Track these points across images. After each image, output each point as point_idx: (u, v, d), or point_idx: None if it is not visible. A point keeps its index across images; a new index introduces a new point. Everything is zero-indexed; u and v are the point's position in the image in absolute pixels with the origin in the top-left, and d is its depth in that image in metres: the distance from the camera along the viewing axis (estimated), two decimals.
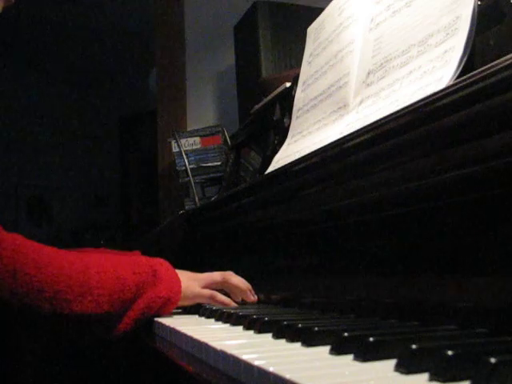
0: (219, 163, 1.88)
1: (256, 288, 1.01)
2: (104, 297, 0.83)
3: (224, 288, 0.98)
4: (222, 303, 0.94)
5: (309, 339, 0.52)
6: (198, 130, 1.97)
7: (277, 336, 0.58)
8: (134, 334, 0.88)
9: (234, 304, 0.95)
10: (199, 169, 1.90)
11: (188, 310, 0.97)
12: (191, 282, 0.94)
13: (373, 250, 0.69)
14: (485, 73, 0.51)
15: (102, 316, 0.83)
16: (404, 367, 0.38)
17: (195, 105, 2.44)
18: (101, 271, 0.85)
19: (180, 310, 0.98)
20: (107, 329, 0.85)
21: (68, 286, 0.81)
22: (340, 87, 0.93)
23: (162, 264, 0.93)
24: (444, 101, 0.56)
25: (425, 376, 0.37)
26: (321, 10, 1.13)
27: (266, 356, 0.48)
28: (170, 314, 0.92)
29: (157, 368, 0.78)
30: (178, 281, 0.91)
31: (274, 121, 1.26)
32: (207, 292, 0.95)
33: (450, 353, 0.36)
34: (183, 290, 0.91)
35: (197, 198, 1.80)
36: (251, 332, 0.64)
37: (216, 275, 0.98)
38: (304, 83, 1.10)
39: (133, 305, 0.86)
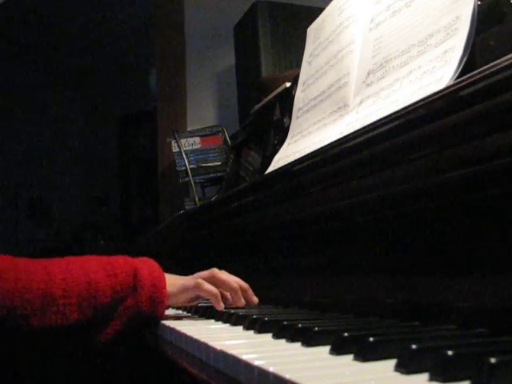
0: (219, 163, 1.88)
1: (256, 288, 1.01)
2: (72, 306, 0.76)
3: (213, 285, 0.89)
4: (209, 292, 0.85)
5: (309, 339, 0.52)
6: (197, 130, 1.97)
7: (277, 336, 0.58)
8: (136, 334, 0.86)
9: (218, 296, 0.85)
10: (199, 169, 1.90)
11: (193, 311, 0.97)
12: (176, 280, 0.88)
13: (373, 249, 0.69)
14: (485, 73, 0.51)
15: (73, 325, 0.77)
16: (404, 367, 0.38)
17: (195, 105, 2.44)
18: (68, 277, 0.78)
19: (184, 313, 0.98)
20: (87, 337, 0.79)
21: (25, 301, 0.73)
22: (340, 87, 0.93)
23: (144, 262, 0.86)
24: (444, 101, 0.56)
25: (425, 376, 0.37)
26: (321, 9, 1.13)
27: (266, 356, 0.48)
28: (173, 315, 0.90)
29: (157, 367, 0.78)
30: (162, 279, 0.84)
31: (274, 121, 1.26)
32: (191, 281, 0.87)
33: (449, 353, 0.36)
34: (168, 286, 0.84)
35: (197, 198, 1.80)
36: (251, 332, 0.64)
37: (204, 272, 0.91)
38: (304, 83, 1.10)
39: (113, 309, 0.80)
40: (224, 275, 0.90)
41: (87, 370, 1.04)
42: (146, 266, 0.85)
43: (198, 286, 0.86)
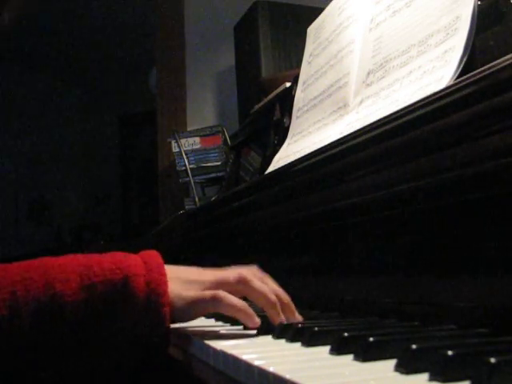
0: (219, 163, 1.88)
1: None
2: (22, 327, 0.56)
3: (243, 294, 0.66)
4: (233, 309, 0.62)
5: (309, 339, 0.52)
6: (197, 130, 1.97)
7: (277, 336, 0.58)
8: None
9: (249, 311, 0.63)
10: (199, 169, 1.90)
11: None
12: (185, 287, 0.64)
13: (373, 249, 0.69)
14: (485, 73, 0.51)
15: (27, 350, 0.58)
16: (404, 367, 0.38)
17: (195, 105, 2.44)
18: (19, 290, 0.57)
19: None
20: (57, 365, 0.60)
21: None
22: (340, 87, 0.93)
23: (144, 264, 0.63)
24: (444, 101, 0.56)
25: (425, 376, 0.37)
26: (321, 9, 1.13)
27: (266, 356, 0.48)
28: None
29: (156, 366, 0.78)
30: (163, 290, 0.61)
31: (274, 121, 1.26)
32: (208, 294, 0.63)
33: (449, 353, 0.36)
34: (174, 298, 0.62)
35: (197, 198, 1.80)
36: (251, 332, 0.64)
37: (229, 273, 0.67)
38: (304, 83, 1.10)
39: (91, 332, 0.59)
40: (257, 283, 0.65)
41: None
42: (144, 269, 0.62)
43: (217, 301, 0.63)
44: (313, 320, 0.67)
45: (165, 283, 0.61)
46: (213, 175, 1.89)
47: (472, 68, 0.60)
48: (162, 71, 2.50)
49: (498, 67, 0.49)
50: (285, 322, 0.63)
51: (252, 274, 0.67)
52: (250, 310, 0.63)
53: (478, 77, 0.51)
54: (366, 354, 0.43)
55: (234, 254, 1.19)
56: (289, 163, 0.90)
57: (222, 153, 1.88)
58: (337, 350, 0.46)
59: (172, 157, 2.04)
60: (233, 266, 0.69)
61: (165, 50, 2.48)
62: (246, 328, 0.64)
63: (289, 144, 1.08)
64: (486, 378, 0.33)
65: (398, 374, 0.38)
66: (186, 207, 1.83)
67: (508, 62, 0.48)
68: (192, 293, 0.63)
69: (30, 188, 4.73)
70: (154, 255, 0.65)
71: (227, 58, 2.30)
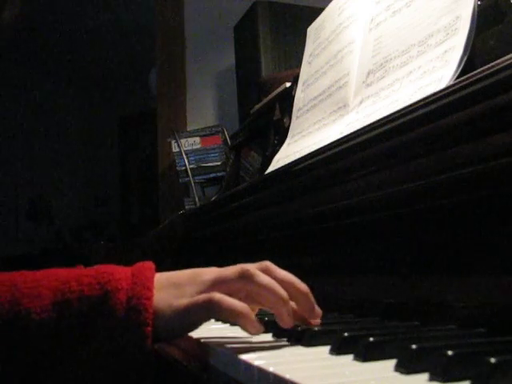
0: (219, 163, 1.88)
1: None
2: None
3: (247, 292, 0.57)
4: (230, 311, 0.53)
5: (309, 339, 0.52)
6: (197, 130, 1.97)
7: (277, 336, 0.58)
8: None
9: (251, 315, 0.54)
10: (199, 169, 1.90)
11: None
12: (177, 294, 0.56)
13: (373, 249, 0.69)
14: (485, 73, 0.51)
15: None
16: (404, 367, 0.38)
17: (195, 105, 2.44)
18: None
19: None
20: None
21: None
22: (340, 87, 0.93)
23: (128, 278, 0.56)
24: (444, 101, 0.56)
25: (425, 376, 0.37)
26: (321, 9, 1.13)
27: (266, 356, 0.48)
28: None
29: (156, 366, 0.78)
30: (146, 307, 0.53)
31: (274, 121, 1.26)
32: (201, 298, 0.54)
33: (449, 353, 0.36)
34: (160, 312, 0.54)
35: (197, 198, 1.80)
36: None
37: (229, 269, 0.58)
38: (304, 83, 1.10)
39: (65, 352, 0.53)
40: (262, 277, 0.56)
41: None
42: (130, 283, 0.55)
43: (211, 305, 0.54)
44: None
45: (148, 298, 0.54)
46: (213, 175, 1.89)
47: (472, 68, 0.60)
48: (161, 71, 2.50)
49: (498, 67, 0.49)
50: (295, 326, 0.55)
51: (257, 267, 0.57)
52: (252, 314, 0.54)
53: (477, 77, 0.51)
54: (366, 354, 0.43)
55: (234, 254, 1.19)
56: (289, 163, 0.90)
57: (222, 153, 1.88)
58: (337, 350, 0.46)
59: (172, 157, 2.04)
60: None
61: (165, 50, 2.48)
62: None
63: (289, 144, 1.08)
64: (486, 378, 0.33)
65: (397, 374, 0.38)
66: (186, 207, 1.83)
67: (508, 62, 0.48)
68: (185, 300, 0.55)
69: (30, 188, 4.73)
70: (146, 267, 0.59)
71: (227, 58, 2.30)
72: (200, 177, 1.90)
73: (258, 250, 1.07)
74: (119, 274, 0.56)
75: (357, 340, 0.45)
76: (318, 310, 0.58)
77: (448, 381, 0.35)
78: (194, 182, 1.85)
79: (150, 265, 0.60)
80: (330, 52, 1.01)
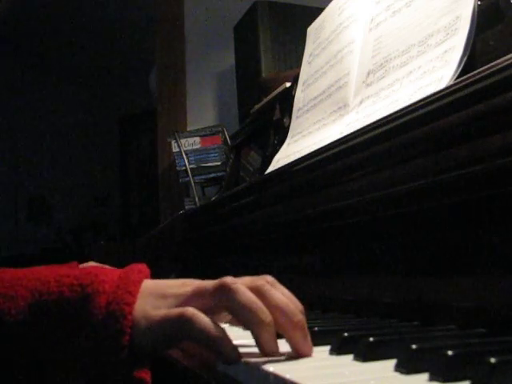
0: (219, 163, 1.88)
1: None
2: None
3: (226, 309, 0.51)
4: (201, 331, 0.47)
5: None
6: (198, 130, 1.97)
7: (277, 336, 0.58)
8: None
9: (225, 338, 0.48)
10: (199, 169, 1.90)
11: None
12: (156, 304, 0.51)
13: (373, 249, 0.69)
14: (485, 73, 0.51)
15: None
16: (404, 367, 0.38)
17: (195, 105, 2.44)
18: None
19: None
20: None
21: None
22: (340, 87, 0.93)
23: (119, 278, 0.52)
24: (444, 101, 0.56)
25: (425, 376, 0.37)
26: (321, 9, 1.13)
27: (266, 356, 0.48)
28: None
29: (155, 367, 0.78)
30: (125, 313, 0.49)
31: (274, 121, 1.26)
32: (175, 312, 0.49)
33: (449, 353, 0.36)
34: (137, 321, 0.49)
35: (197, 198, 1.80)
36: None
37: (209, 282, 0.51)
38: (304, 83, 1.10)
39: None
40: (243, 294, 0.48)
41: None
42: (114, 286, 0.51)
43: (182, 321, 0.48)
44: (313, 320, 0.67)
45: (129, 304, 0.49)
46: (213, 175, 1.89)
47: (472, 68, 0.60)
48: (161, 71, 2.50)
49: (498, 67, 0.49)
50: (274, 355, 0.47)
51: (247, 283, 0.50)
52: (227, 338, 0.48)
53: (477, 77, 0.51)
54: (366, 354, 0.43)
55: (234, 254, 1.19)
56: (289, 163, 0.90)
57: (222, 153, 1.88)
58: (337, 350, 0.46)
59: (172, 157, 2.04)
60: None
61: (165, 49, 2.48)
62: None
63: (289, 144, 1.08)
64: (486, 378, 0.33)
65: (397, 374, 0.38)
66: (186, 207, 1.83)
67: (508, 62, 0.48)
68: (161, 312, 0.50)
69: (30, 188, 4.73)
70: (135, 270, 0.54)
71: (227, 58, 2.30)
72: (200, 177, 1.90)
73: (258, 249, 1.07)
74: (104, 276, 0.52)
75: (357, 340, 0.45)
76: (310, 345, 0.48)
77: (448, 381, 0.35)
78: (194, 182, 1.85)
79: (141, 267, 0.55)
80: (330, 52, 1.01)
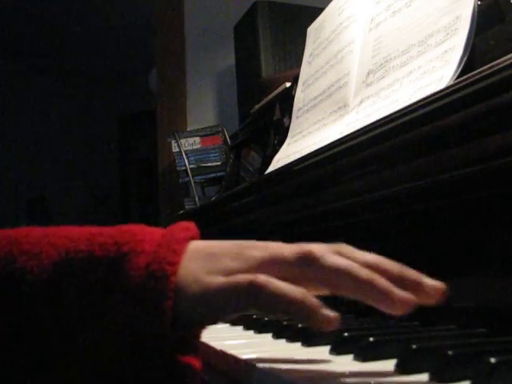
0: (219, 163, 1.88)
1: None
2: None
3: (309, 281, 0.42)
4: (283, 296, 0.39)
5: (309, 339, 0.52)
6: (197, 130, 1.97)
7: (277, 336, 0.58)
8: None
9: (312, 300, 0.39)
10: (199, 169, 1.89)
11: None
12: (210, 268, 0.43)
13: (373, 249, 0.69)
14: (485, 73, 0.51)
15: None
16: (404, 367, 0.38)
17: (195, 105, 2.44)
18: None
19: None
20: None
21: None
22: (340, 87, 0.93)
23: (162, 236, 0.45)
24: (444, 101, 0.55)
25: (425, 376, 0.37)
26: (321, 10, 1.13)
27: (266, 355, 0.48)
28: None
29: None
30: (167, 274, 0.41)
31: (274, 121, 1.26)
32: (243, 278, 0.41)
33: (450, 353, 0.36)
34: (180, 277, 0.42)
35: (197, 198, 1.80)
36: (251, 332, 0.64)
37: (287, 249, 0.43)
38: (304, 83, 1.10)
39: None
40: (332, 257, 0.41)
41: None
42: (155, 245, 0.43)
43: (255, 288, 0.40)
44: None
45: (172, 264, 0.42)
46: (213, 175, 1.89)
47: (472, 68, 0.60)
48: (161, 71, 2.50)
49: (498, 67, 0.49)
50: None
51: (327, 249, 0.42)
52: (313, 300, 0.39)
53: (477, 77, 0.51)
54: (366, 354, 0.43)
55: None
56: (289, 163, 0.90)
57: (222, 153, 1.88)
58: (337, 350, 0.46)
59: (172, 157, 2.04)
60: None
61: (165, 49, 2.48)
62: (247, 329, 0.59)
63: (289, 144, 1.08)
64: (486, 378, 0.33)
65: (397, 374, 0.38)
66: (186, 207, 1.83)
67: (508, 62, 0.48)
68: (219, 278, 0.41)
69: (30, 187, 4.73)
70: (182, 227, 0.47)
71: (227, 58, 2.30)
72: (200, 177, 1.90)
73: None
74: (144, 235, 0.45)
75: (357, 340, 0.45)
76: (433, 284, 0.40)
77: (448, 381, 0.35)
78: (194, 182, 1.85)
79: (188, 225, 0.47)
80: (330, 52, 1.01)
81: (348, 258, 0.42)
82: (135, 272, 0.41)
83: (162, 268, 0.41)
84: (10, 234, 0.47)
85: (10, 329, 0.42)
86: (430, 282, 0.39)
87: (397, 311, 0.38)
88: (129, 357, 0.41)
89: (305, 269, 0.41)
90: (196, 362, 0.42)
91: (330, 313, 0.39)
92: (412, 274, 0.40)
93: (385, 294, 0.38)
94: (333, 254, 0.42)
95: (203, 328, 0.44)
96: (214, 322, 0.44)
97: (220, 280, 0.41)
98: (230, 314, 0.43)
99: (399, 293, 0.38)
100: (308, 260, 0.41)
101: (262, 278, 0.40)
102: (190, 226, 0.47)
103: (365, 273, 0.39)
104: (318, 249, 0.42)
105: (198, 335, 0.44)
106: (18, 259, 0.44)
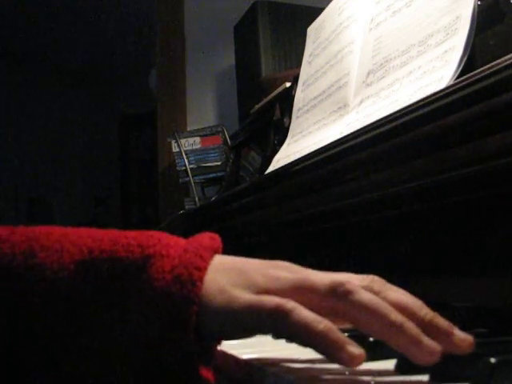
0: (219, 163, 1.88)
1: None
2: None
3: (338, 313, 0.40)
4: (306, 326, 0.38)
5: None
6: (198, 130, 1.97)
7: (277, 336, 0.58)
8: None
9: (337, 333, 0.38)
10: (199, 169, 1.89)
11: None
12: (236, 282, 0.42)
13: (373, 249, 0.69)
14: (485, 73, 0.51)
15: None
16: (404, 367, 0.38)
17: (195, 105, 2.44)
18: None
19: None
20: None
21: None
22: (340, 87, 0.93)
23: (186, 243, 0.45)
24: (444, 101, 0.56)
25: (425, 376, 0.37)
26: (321, 9, 1.13)
27: (266, 355, 0.48)
28: None
29: None
30: (195, 279, 0.40)
31: (274, 121, 1.26)
32: (272, 301, 0.39)
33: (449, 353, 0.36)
34: (209, 294, 0.40)
35: (197, 198, 1.80)
36: None
37: (319, 277, 0.42)
38: (304, 83, 1.10)
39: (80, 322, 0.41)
40: (365, 294, 0.39)
41: None
42: (179, 250, 0.43)
43: (282, 313, 0.38)
44: None
45: (200, 269, 0.41)
46: (213, 175, 1.89)
47: (472, 68, 0.60)
48: (161, 71, 2.50)
49: (498, 67, 0.49)
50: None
51: (359, 282, 0.40)
52: (339, 334, 0.38)
53: (477, 77, 0.51)
54: (366, 354, 0.43)
55: (234, 253, 1.19)
56: (289, 163, 0.90)
57: (222, 153, 1.88)
58: None
59: (172, 157, 2.04)
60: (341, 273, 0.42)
61: (165, 49, 2.48)
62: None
63: (289, 144, 1.08)
64: (486, 378, 0.33)
65: (398, 374, 0.38)
66: (186, 207, 1.82)
67: (508, 62, 0.48)
68: (245, 294, 0.40)
69: (31, 188, 4.73)
70: (206, 236, 0.46)
71: (227, 58, 2.30)
72: (200, 177, 1.90)
73: (258, 249, 1.07)
74: (169, 240, 0.44)
75: (357, 340, 0.45)
76: (462, 336, 0.37)
77: (448, 381, 0.35)
78: (194, 182, 1.85)
79: (213, 235, 0.47)
80: (330, 52, 1.01)
81: (380, 294, 0.40)
82: (159, 275, 0.40)
83: (189, 273, 0.40)
84: (29, 230, 0.46)
85: (25, 324, 0.42)
86: (459, 333, 0.37)
87: (422, 360, 0.36)
88: (145, 360, 0.40)
89: (335, 301, 0.39)
90: (209, 375, 0.41)
91: (356, 350, 0.37)
92: (443, 323, 0.39)
93: (413, 343, 0.36)
94: (365, 289, 0.40)
95: (220, 342, 0.44)
96: (233, 338, 0.43)
97: (247, 296, 0.40)
98: (250, 332, 0.42)
99: (427, 342, 0.36)
100: (339, 293, 0.39)
101: (291, 304, 0.38)
102: (215, 236, 0.47)
103: (396, 317, 0.37)
104: (351, 282, 0.40)
105: (214, 348, 0.43)
106: (38, 255, 0.43)
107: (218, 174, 1.86)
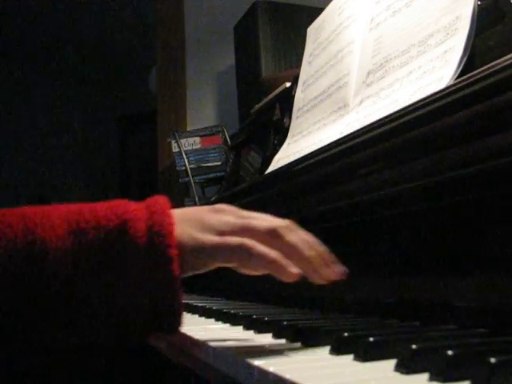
0: (219, 163, 1.88)
1: (255, 288, 1.00)
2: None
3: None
4: (263, 258, 0.52)
5: (309, 339, 0.52)
6: (197, 130, 1.97)
7: (277, 336, 0.58)
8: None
9: (283, 260, 0.52)
10: (199, 169, 1.90)
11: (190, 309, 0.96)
12: (198, 229, 0.53)
13: (373, 249, 0.69)
14: (485, 73, 0.51)
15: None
16: (404, 367, 0.38)
17: (195, 105, 2.44)
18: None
19: None
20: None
21: None
22: (340, 87, 0.93)
23: (145, 209, 0.52)
24: (444, 101, 0.56)
25: (425, 376, 0.37)
26: (321, 10, 1.13)
27: (266, 356, 0.48)
28: None
29: (155, 367, 0.77)
30: (169, 232, 0.50)
31: (273, 121, 1.26)
32: (233, 240, 0.52)
33: (450, 353, 0.36)
34: (182, 241, 0.51)
35: (197, 198, 1.80)
36: (251, 332, 0.64)
37: (259, 221, 0.56)
38: (304, 83, 1.10)
39: (79, 287, 0.49)
40: (293, 236, 0.55)
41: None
42: (146, 213, 0.52)
43: (244, 250, 0.52)
44: (313, 320, 0.67)
45: (170, 224, 0.51)
46: (213, 175, 1.89)
47: (472, 68, 0.60)
48: (161, 71, 2.50)
49: (498, 67, 0.49)
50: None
51: (286, 227, 0.55)
52: (285, 260, 0.52)
53: (477, 77, 0.51)
54: (366, 354, 0.43)
55: None
56: (289, 163, 0.90)
57: (222, 153, 1.88)
58: (337, 350, 0.46)
59: (172, 157, 2.04)
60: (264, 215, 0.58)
61: (165, 49, 2.48)
62: (247, 329, 0.63)
63: (289, 144, 1.08)
64: (486, 378, 0.33)
65: (397, 374, 0.38)
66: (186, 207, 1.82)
67: (508, 62, 0.48)
68: (213, 237, 0.52)
69: (30, 187, 4.73)
70: (159, 200, 0.54)
71: (227, 58, 2.30)
72: (200, 177, 1.90)
73: None
74: (133, 206, 0.53)
75: (357, 340, 0.45)
76: (339, 266, 0.58)
77: (448, 381, 0.35)
78: (194, 182, 1.85)
79: (163, 198, 0.55)
80: (330, 52, 1.01)
81: (298, 234, 0.55)
82: (139, 234, 0.50)
83: (164, 229, 0.50)
84: (18, 211, 0.54)
85: (38, 291, 0.48)
86: (339, 265, 0.57)
87: (317, 282, 0.55)
88: (139, 301, 0.49)
89: (271, 240, 0.53)
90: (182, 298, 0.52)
91: (294, 269, 0.52)
92: (329, 256, 0.57)
93: (315, 271, 0.55)
94: (287, 229, 0.55)
95: (193, 273, 0.55)
96: (206, 269, 0.54)
97: (212, 238, 0.53)
98: (220, 264, 0.54)
99: (323, 270, 0.55)
100: (275, 235, 0.54)
101: (251, 242, 0.52)
102: (164, 197, 0.56)
103: (308, 252, 0.54)
104: (281, 226, 0.55)
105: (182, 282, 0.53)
106: (35, 231, 0.50)
107: (218, 174, 1.86)
